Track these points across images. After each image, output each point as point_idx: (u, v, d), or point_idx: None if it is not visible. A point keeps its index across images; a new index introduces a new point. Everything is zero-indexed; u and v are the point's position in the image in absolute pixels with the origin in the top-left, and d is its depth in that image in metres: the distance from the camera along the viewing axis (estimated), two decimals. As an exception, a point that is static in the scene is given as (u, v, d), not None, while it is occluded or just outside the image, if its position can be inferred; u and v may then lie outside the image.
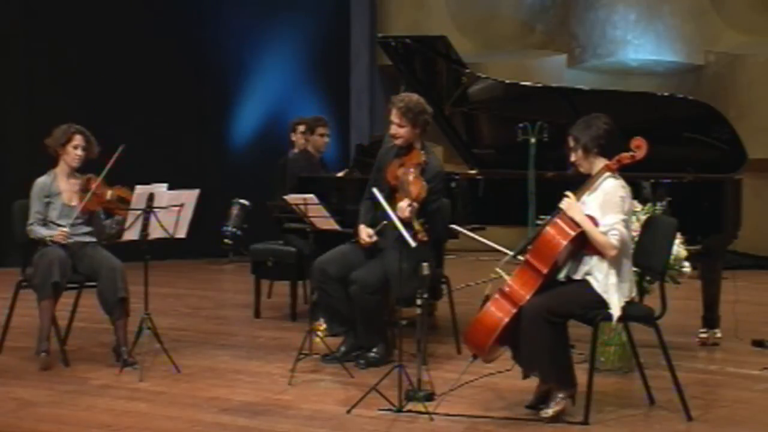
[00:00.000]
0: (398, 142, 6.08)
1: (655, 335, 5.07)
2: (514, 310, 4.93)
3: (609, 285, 5.04)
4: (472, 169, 7.61)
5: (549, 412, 5.00)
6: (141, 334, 5.98)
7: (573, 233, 4.95)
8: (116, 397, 5.47)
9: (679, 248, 5.88)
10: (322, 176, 7.65)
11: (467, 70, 7.41)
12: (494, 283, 5.16)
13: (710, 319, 6.72)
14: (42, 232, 6.19)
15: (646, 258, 5.36)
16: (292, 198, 6.09)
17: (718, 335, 6.72)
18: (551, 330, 4.94)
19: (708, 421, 5.07)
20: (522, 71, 10.86)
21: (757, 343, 6.70)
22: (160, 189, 6.06)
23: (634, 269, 5.62)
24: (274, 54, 11.45)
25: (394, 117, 6.02)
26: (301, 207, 5.99)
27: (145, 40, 10.56)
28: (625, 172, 6.70)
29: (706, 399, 5.44)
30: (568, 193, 5.04)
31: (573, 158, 5.12)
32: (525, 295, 4.95)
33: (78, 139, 6.32)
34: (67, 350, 6.24)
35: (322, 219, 6.02)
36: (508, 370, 5.59)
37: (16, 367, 6.13)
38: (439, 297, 7.12)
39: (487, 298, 5.05)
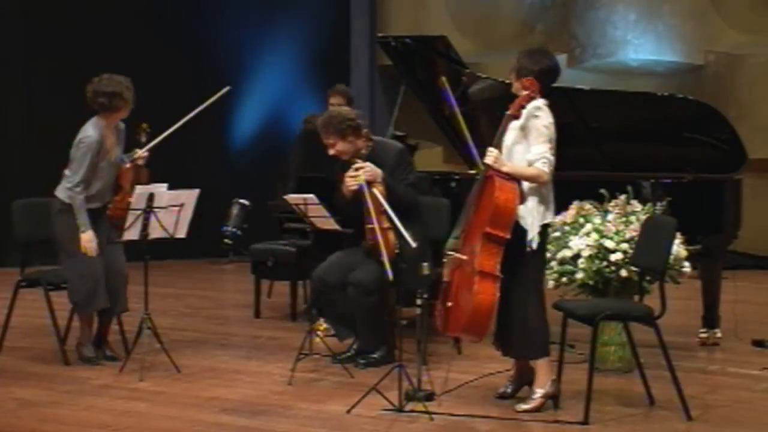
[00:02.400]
0: (345, 158, 6.05)
1: (655, 335, 5.08)
2: (498, 284, 4.98)
3: (528, 209, 5.08)
4: (471, 169, 7.61)
5: (524, 407, 5.13)
6: (141, 334, 5.98)
7: (518, 188, 5.03)
8: (116, 397, 5.48)
9: (679, 248, 5.88)
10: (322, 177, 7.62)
11: (467, 70, 7.41)
12: (449, 266, 5.21)
13: (710, 319, 6.72)
14: (80, 212, 6.01)
15: (646, 258, 5.37)
16: (292, 198, 6.08)
17: (718, 335, 6.72)
18: (540, 302, 5.17)
19: (708, 421, 5.07)
20: (522, 71, 10.83)
21: (757, 343, 6.70)
22: (160, 189, 6.06)
23: (634, 269, 5.64)
24: (274, 54, 11.44)
25: (324, 140, 6.04)
26: (301, 207, 5.99)
27: (144, 40, 10.56)
28: (624, 172, 6.74)
29: (706, 399, 5.44)
30: (490, 148, 5.07)
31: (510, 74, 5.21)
32: (496, 266, 4.99)
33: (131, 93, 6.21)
34: (67, 350, 6.24)
35: (322, 219, 6.01)
36: (508, 370, 5.60)
37: (16, 367, 6.14)
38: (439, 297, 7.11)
39: (446, 284, 5.17)
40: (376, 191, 5.73)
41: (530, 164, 5.03)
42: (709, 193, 6.56)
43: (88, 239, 6.03)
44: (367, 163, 5.94)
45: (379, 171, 5.94)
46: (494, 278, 4.98)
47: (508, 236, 5.00)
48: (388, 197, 5.78)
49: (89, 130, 6.12)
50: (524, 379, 5.34)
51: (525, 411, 5.11)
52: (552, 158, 5.05)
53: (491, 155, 5.05)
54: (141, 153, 6.28)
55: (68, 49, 10.33)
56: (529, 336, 5.14)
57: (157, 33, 10.64)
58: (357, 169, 5.89)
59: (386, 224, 5.68)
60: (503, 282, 5.02)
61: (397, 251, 5.59)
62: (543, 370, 5.18)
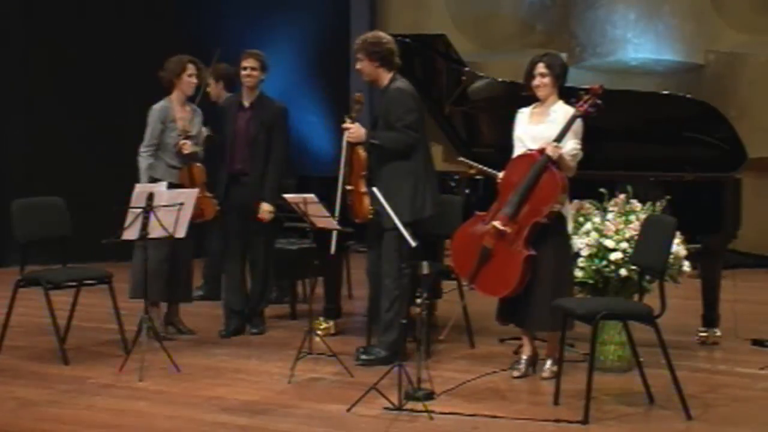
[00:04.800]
0: (366, 79, 6.18)
1: (655, 334, 5.08)
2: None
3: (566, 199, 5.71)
4: (471, 169, 7.61)
5: (546, 373, 5.70)
6: (141, 334, 5.98)
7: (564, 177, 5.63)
8: (116, 396, 5.48)
9: (678, 247, 5.88)
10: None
11: (467, 69, 7.41)
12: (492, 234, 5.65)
13: (710, 318, 6.71)
14: (144, 174, 6.65)
15: (645, 257, 5.37)
16: (291, 197, 6.08)
17: (718, 334, 6.72)
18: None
19: (707, 420, 5.07)
20: (522, 70, 10.79)
21: (757, 343, 6.70)
22: (160, 188, 6.06)
23: (633, 268, 5.65)
24: (274, 53, 11.33)
25: (356, 56, 6.17)
26: (301, 206, 5.98)
27: (144, 40, 10.55)
28: (624, 171, 6.75)
29: (705, 398, 5.44)
30: (554, 143, 5.56)
31: (537, 82, 5.74)
32: (530, 246, 5.60)
33: (191, 68, 6.80)
34: (67, 349, 6.24)
35: (322, 218, 6.00)
36: (504, 370, 5.61)
37: (16, 367, 6.13)
38: (439, 296, 7.11)
39: (485, 250, 5.66)
40: (359, 152, 5.96)
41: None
42: (709, 193, 6.56)
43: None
44: (354, 125, 6.00)
45: (362, 133, 5.99)
46: (533, 259, 5.59)
47: (547, 221, 5.63)
48: (377, 151, 5.99)
49: (157, 103, 6.80)
50: (536, 357, 5.88)
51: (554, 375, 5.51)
52: (581, 153, 5.70)
53: (556, 150, 5.55)
54: (184, 142, 6.72)
55: (69, 50, 10.32)
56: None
57: (156, 33, 10.61)
58: (343, 129, 6.02)
59: (362, 189, 5.96)
60: (544, 263, 5.59)
61: (370, 216, 5.92)
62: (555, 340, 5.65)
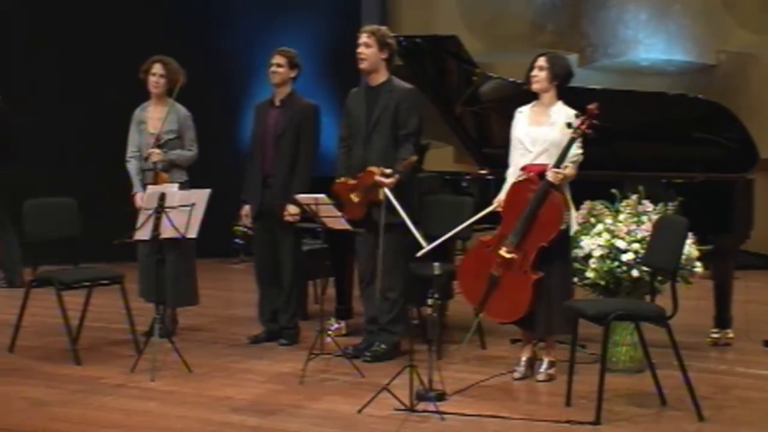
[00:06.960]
0: (363, 65, 6.13)
1: (667, 335, 5.07)
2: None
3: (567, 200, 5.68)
4: (482, 169, 7.61)
5: (550, 373, 5.74)
6: (152, 334, 5.99)
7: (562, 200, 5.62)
8: (127, 396, 5.48)
9: (690, 248, 5.87)
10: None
11: (477, 70, 7.40)
12: (501, 265, 5.64)
13: (722, 319, 6.70)
14: (133, 178, 6.81)
15: (657, 258, 5.36)
16: (302, 198, 6.07)
17: (730, 335, 6.71)
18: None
19: (719, 421, 5.06)
20: (532, 71, 10.81)
21: (769, 344, 6.69)
22: (171, 189, 6.07)
23: (645, 269, 5.64)
24: (284, 54, 11.44)
25: (362, 38, 6.12)
26: (312, 207, 5.98)
27: (153, 41, 10.53)
28: (636, 171, 6.74)
29: (717, 399, 5.43)
30: (556, 169, 5.52)
31: (533, 74, 5.82)
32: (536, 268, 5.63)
33: (156, 67, 6.95)
34: (79, 349, 6.25)
35: (333, 219, 6.00)
36: (511, 372, 5.60)
37: (28, 367, 6.15)
38: (451, 296, 7.11)
39: (493, 277, 5.65)
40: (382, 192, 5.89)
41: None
42: (720, 193, 6.54)
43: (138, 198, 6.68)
44: (393, 180, 5.88)
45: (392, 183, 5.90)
46: (541, 281, 5.59)
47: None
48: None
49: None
50: (535, 359, 5.89)
51: (550, 378, 5.70)
52: (582, 157, 5.68)
53: (558, 176, 5.53)
54: (152, 150, 6.71)
55: (73, 51, 10.34)
56: (566, 313, 5.49)
57: (165, 34, 10.60)
58: (385, 175, 5.88)
59: (357, 199, 6.02)
60: (551, 270, 5.61)
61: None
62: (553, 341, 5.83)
